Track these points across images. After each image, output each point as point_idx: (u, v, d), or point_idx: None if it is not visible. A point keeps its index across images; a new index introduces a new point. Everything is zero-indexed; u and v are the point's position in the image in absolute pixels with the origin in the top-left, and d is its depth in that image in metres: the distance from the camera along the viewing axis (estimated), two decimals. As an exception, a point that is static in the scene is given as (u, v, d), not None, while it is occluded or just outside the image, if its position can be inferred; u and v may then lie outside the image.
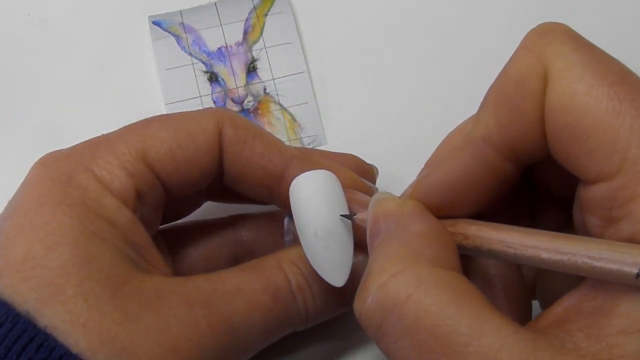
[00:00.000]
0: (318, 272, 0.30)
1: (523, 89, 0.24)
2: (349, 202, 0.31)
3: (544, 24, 0.25)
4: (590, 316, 0.22)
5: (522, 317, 0.28)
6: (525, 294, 0.29)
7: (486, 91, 0.26)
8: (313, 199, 0.30)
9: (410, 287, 0.23)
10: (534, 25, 0.25)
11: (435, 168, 0.27)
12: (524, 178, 0.27)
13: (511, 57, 0.25)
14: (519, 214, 0.30)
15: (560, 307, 0.24)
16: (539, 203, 0.30)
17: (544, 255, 0.23)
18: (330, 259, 0.30)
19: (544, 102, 0.24)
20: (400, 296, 0.23)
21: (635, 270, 0.21)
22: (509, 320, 0.22)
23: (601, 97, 0.22)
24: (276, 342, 0.32)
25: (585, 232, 0.24)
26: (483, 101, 0.26)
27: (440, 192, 0.26)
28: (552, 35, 0.24)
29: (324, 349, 0.37)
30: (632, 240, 0.22)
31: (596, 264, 0.22)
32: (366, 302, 0.24)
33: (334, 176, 0.31)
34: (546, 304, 0.28)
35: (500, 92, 0.25)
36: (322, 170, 0.31)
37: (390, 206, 0.27)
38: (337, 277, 0.30)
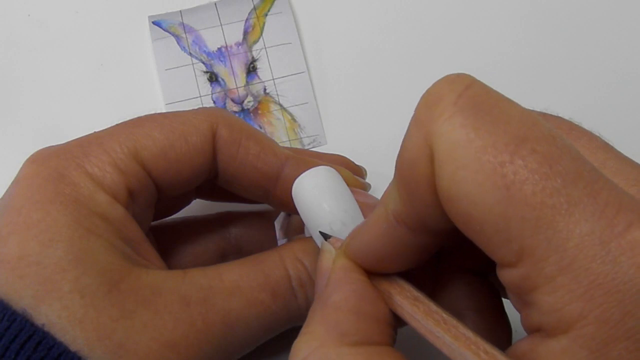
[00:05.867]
0: None
1: (415, 173, 0.22)
2: None
3: (435, 85, 0.22)
4: None
5: (502, 337, 0.28)
6: (501, 315, 0.28)
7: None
8: (320, 195, 0.30)
9: None
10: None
11: (358, 233, 0.26)
12: None
13: (405, 133, 0.22)
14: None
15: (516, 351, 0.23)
16: None
17: (435, 341, 0.23)
18: None
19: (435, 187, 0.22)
20: None
21: None
22: None
23: (488, 186, 0.20)
24: (276, 338, 0.32)
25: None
26: (394, 172, 0.24)
27: (366, 257, 0.26)
28: (438, 108, 0.21)
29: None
30: (540, 329, 0.21)
31: None
32: None
33: (333, 170, 0.31)
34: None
35: (399, 174, 0.23)
36: (322, 167, 0.31)
37: (325, 265, 0.27)
38: None
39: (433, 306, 0.24)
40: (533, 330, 0.21)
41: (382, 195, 0.25)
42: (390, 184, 0.24)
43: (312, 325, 0.24)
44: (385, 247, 0.25)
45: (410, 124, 0.22)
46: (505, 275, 0.21)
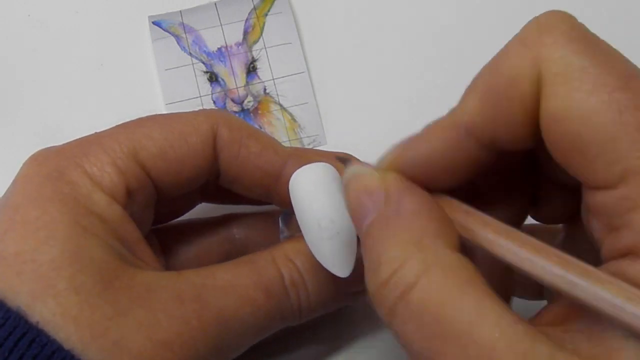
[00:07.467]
0: (323, 264, 0.29)
1: (514, 90, 0.23)
2: None
3: (546, 15, 0.23)
4: (592, 317, 0.22)
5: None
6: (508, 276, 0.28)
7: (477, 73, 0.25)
8: (313, 190, 0.30)
9: (416, 275, 0.23)
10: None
11: (413, 142, 0.26)
12: (525, 160, 0.27)
13: (506, 49, 0.24)
14: (519, 199, 0.29)
15: (561, 305, 0.23)
16: (542, 187, 0.29)
17: (502, 253, 0.23)
18: (335, 249, 0.29)
19: (535, 107, 0.23)
20: (408, 283, 0.23)
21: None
22: (510, 309, 0.22)
23: (600, 107, 0.21)
24: (270, 338, 0.31)
25: (590, 232, 0.24)
26: (471, 84, 0.25)
27: (418, 167, 0.25)
28: (552, 34, 0.23)
29: (322, 348, 0.37)
30: (631, 250, 0.21)
31: (605, 307, 0.21)
32: (379, 288, 0.24)
33: (331, 167, 0.31)
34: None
35: (490, 87, 0.24)
36: (320, 163, 0.31)
37: (371, 183, 0.26)
38: (342, 267, 0.29)
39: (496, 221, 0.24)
40: (620, 255, 0.22)
41: (451, 109, 0.26)
42: (464, 95, 0.25)
43: (394, 238, 0.24)
44: (444, 159, 0.25)
45: (512, 43, 0.23)
46: (599, 198, 0.22)
